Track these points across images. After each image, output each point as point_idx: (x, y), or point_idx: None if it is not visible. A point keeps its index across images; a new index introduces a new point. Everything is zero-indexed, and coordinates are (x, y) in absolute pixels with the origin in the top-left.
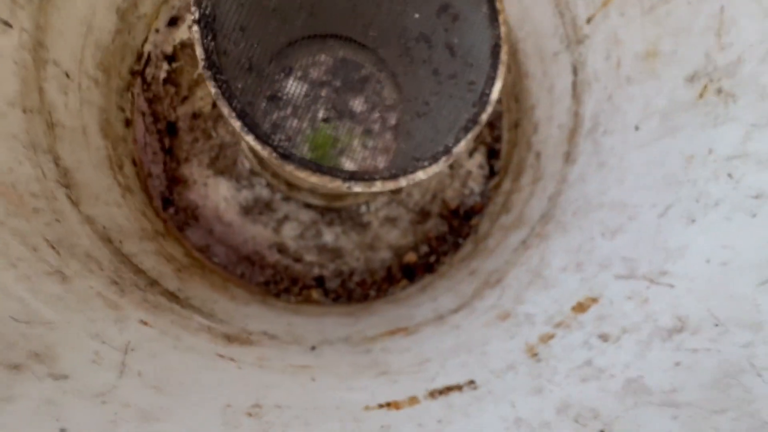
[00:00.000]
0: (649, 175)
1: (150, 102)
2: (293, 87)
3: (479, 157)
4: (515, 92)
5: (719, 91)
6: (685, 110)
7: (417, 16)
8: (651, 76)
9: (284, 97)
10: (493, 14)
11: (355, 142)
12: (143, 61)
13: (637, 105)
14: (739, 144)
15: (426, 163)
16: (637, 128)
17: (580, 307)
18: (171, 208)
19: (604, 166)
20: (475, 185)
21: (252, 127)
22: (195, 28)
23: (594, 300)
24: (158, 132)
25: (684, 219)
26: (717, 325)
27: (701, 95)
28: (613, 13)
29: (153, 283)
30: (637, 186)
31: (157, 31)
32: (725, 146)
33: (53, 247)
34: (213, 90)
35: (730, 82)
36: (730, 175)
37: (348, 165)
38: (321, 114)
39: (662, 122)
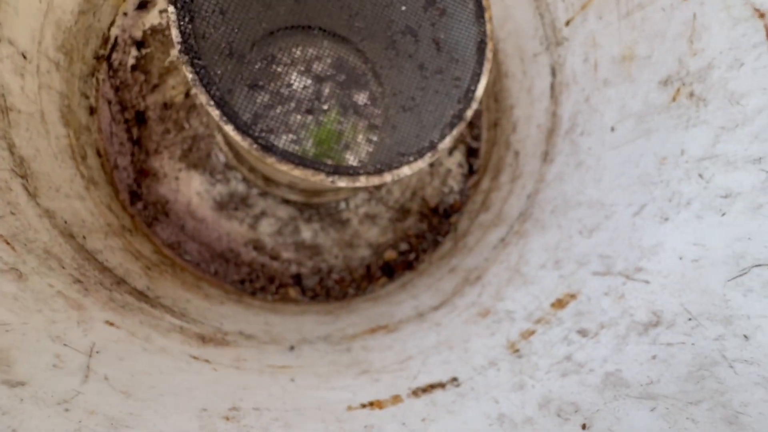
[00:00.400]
0: (625, 175)
1: (117, 89)
2: (276, 76)
3: (459, 156)
4: (495, 91)
5: (691, 95)
6: (658, 113)
7: (404, 8)
8: (627, 79)
9: (266, 87)
10: (480, 11)
11: (357, 136)
12: (110, 45)
13: (614, 107)
14: (709, 146)
15: (411, 159)
16: (613, 129)
17: (559, 304)
18: (139, 202)
19: (581, 166)
20: (455, 183)
21: (231, 116)
22: (171, 9)
23: (572, 296)
24: (126, 121)
25: (658, 218)
26: (690, 319)
27: (674, 99)
28: (592, 16)
29: (120, 281)
30: (613, 185)
31: (125, 14)
32: (696, 148)
33: (7, 243)
34: (190, 76)
35: (701, 86)
36: (700, 176)
37: (351, 159)
38: (304, 106)
39: (637, 124)
